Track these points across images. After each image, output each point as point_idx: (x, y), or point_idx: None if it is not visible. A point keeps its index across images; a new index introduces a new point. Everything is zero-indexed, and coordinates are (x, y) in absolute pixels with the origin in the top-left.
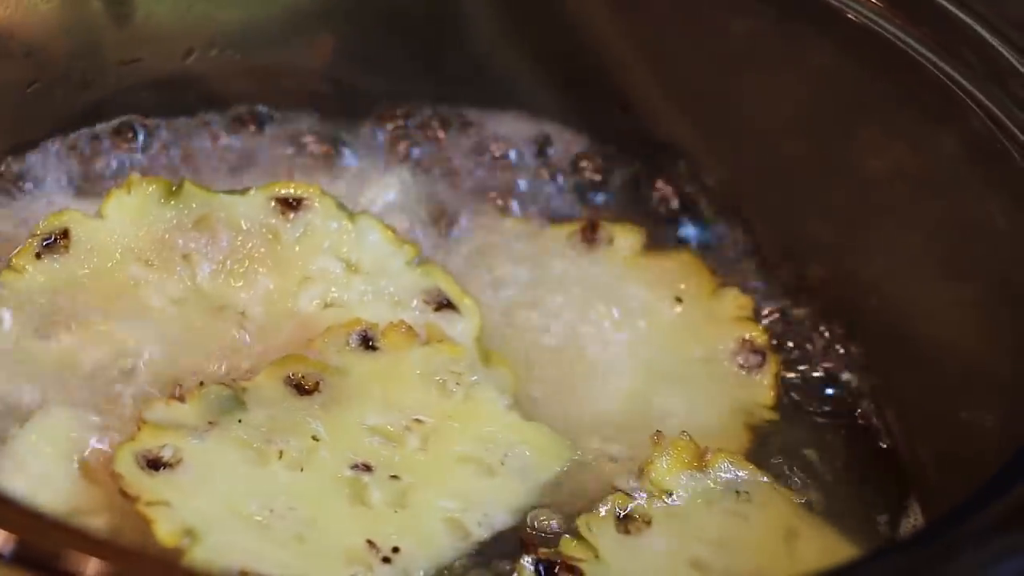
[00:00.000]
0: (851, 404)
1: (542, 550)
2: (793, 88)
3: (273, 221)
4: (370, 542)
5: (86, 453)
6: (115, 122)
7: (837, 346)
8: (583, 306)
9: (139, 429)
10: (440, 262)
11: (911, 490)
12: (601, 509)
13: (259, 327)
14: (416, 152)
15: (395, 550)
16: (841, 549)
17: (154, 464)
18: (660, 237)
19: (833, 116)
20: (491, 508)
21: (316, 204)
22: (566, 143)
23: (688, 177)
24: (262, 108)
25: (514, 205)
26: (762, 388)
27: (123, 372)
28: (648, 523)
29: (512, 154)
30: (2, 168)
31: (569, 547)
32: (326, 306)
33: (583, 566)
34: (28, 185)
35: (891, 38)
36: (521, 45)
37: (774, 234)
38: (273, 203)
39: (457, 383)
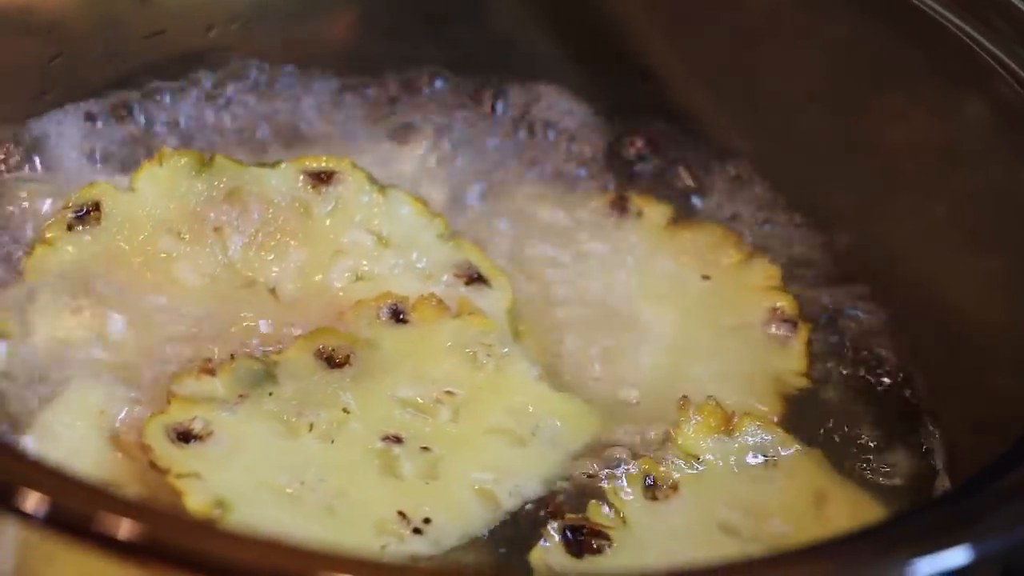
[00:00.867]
0: (880, 370)
1: (570, 517)
2: (816, 57)
3: (304, 194)
4: (401, 513)
5: (117, 426)
6: (138, 95)
7: (866, 314)
8: (613, 278)
9: (169, 403)
10: (469, 236)
11: (940, 454)
12: (628, 475)
13: (290, 300)
14: (442, 125)
15: (426, 521)
16: (870, 512)
17: (184, 436)
18: (687, 209)
19: (857, 84)
20: (522, 478)
21: (347, 177)
22: (589, 116)
23: (713, 149)
24: (285, 80)
25: (541, 178)
26: (793, 356)
27: (153, 345)
28: (675, 488)
29: (537, 127)
30: (27, 140)
31: (597, 513)
32: (357, 279)
33: (611, 532)
34: (53, 158)
35: (914, 1)
36: (544, 18)
37: (800, 204)
38: (304, 177)
39: (488, 355)
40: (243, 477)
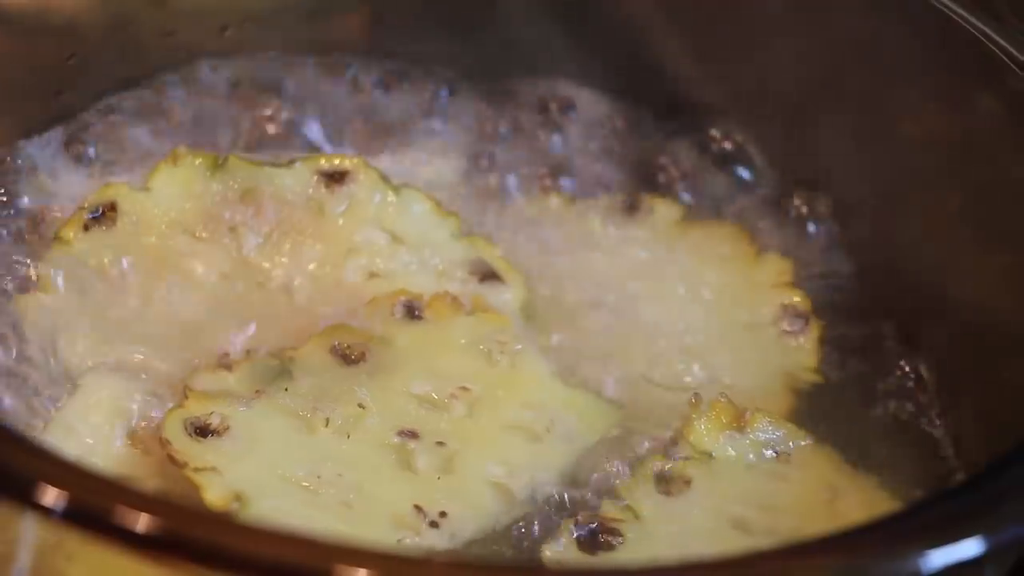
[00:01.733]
0: (892, 365)
1: (584, 512)
2: (828, 52)
3: (318, 193)
4: (417, 507)
5: (134, 421)
6: (153, 94)
7: (878, 308)
8: (625, 275)
9: (187, 398)
10: (483, 233)
11: (952, 449)
12: (641, 471)
13: (305, 298)
14: (455, 124)
15: (442, 514)
16: (883, 506)
17: (202, 431)
18: (698, 206)
19: (868, 80)
20: (537, 473)
21: (361, 176)
22: (601, 112)
23: (725, 146)
24: (298, 81)
25: (554, 175)
26: (805, 352)
27: (170, 342)
28: (688, 484)
29: (549, 124)
30: (43, 139)
31: (610, 509)
32: (371, 277)
33: (624, 528)
34: (68, 157)
35: None
36: (554, 14)
37: (811, 200)
38: (318, 176)
39: (502, 352)
40: (260, 471)
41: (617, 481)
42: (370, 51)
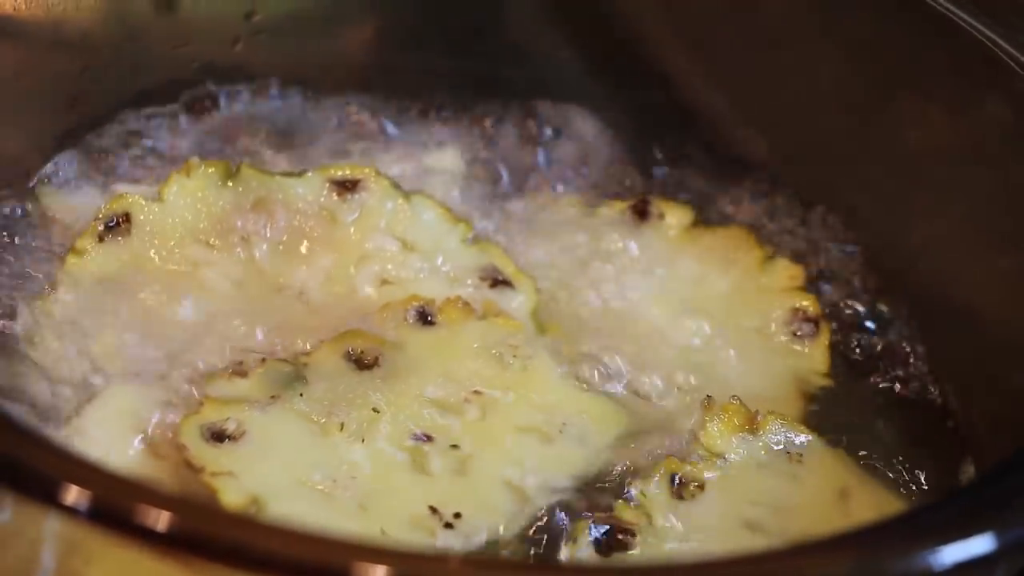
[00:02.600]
0: (901, 368)
1: (598, 515)
2: (834, 60)
3: (330, 202)
4: (432, 508)
5: (151, 427)
6: (165, 106)
7: (888, 313)
8: (637, 280)
9: (203, 404)
10: (493, 239)
11: (964, 451)
12: (655, 474)
13: (318, 304)
14: (462, 134)
15: (457, 516)
16: (894, 507)
17: (218, 436)
18: (708, 212)
19: (875, 86)
20: (549, 475)
21: (372, 185)
22: (610, 124)
23: (733, 153)
24: (309, 92)
25: (564, 184)
26: (815, 356)
27: (185, 349)
28: (701, 487)
29: (559, 133)
30: (57, 150)
31: (624, 511)
32: (383, 284)
33: (637, 529)
34: (82, 169)
35: (930, 3)
36: (560, 28)
37: (820, 206)
38: (329, 185)
39: (514, 356)
40: (276, 475)
41: (630, 482)
42: (376, 63)
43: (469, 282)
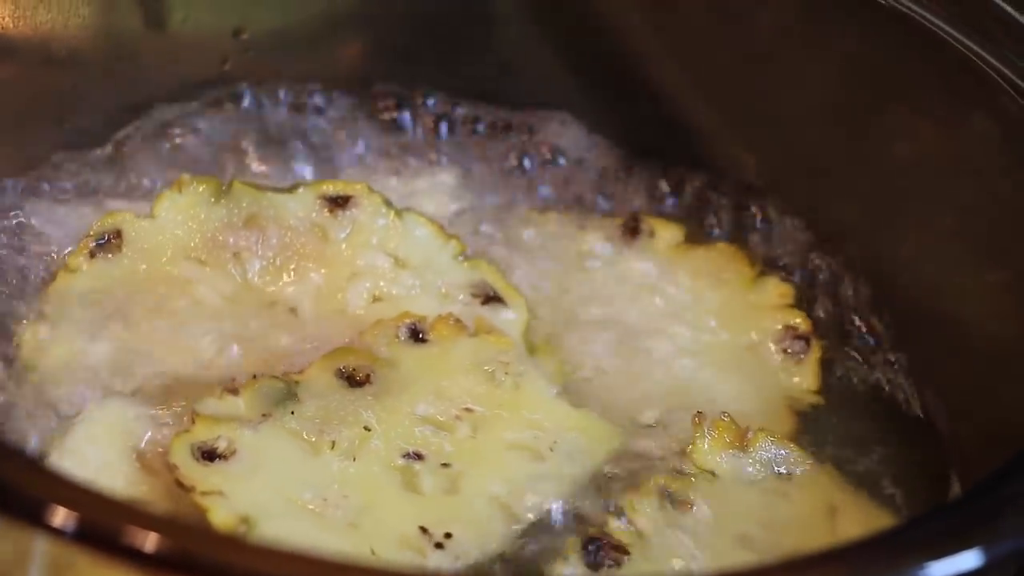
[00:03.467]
0: (890, 385)
1: (589, 531)
2: (822, 74)
3: (321, 218)
4: (423, 528)
5: (141, 446)
6: (154, 123)
7: (877, 329)
8: (627, 297)
9: (193, 422)
10: (485, 256)
11: (952, 467)
12: (646, 491)
13: (310, 321)
14: (454, 150)
15: (447, 536)
16: (883, 523)
17: (209, 455)
18: (698, 229)
19: (862, 100)
20: (541, 493)
21: (363, 201)
22: (599, 140)
23: (722, 168)
24: (297, 108)
25: (554, 201)
26: (806, 373)
27: (176, 367)
28: (691, 502)
29: (549, 151)
30: (46, 168)
31: (615, 528)
32: (375, 300)
33: (628, 546)
34: (72, 187)
35: (917, 18)
36: (551, 43)
37: (809, 220)
38: (320, 201)
39: (506, 373)
40: (267, 494)
41: (621, 499)
42: (365, 78)
43: (461, 298)
